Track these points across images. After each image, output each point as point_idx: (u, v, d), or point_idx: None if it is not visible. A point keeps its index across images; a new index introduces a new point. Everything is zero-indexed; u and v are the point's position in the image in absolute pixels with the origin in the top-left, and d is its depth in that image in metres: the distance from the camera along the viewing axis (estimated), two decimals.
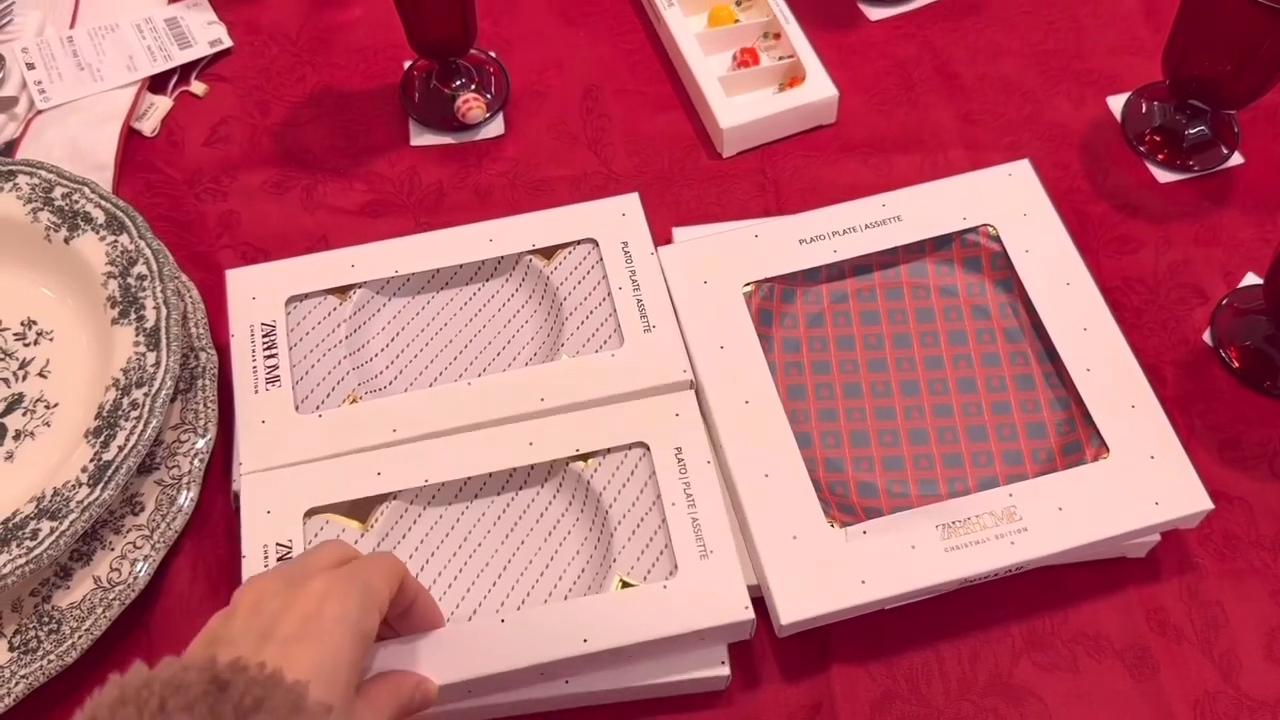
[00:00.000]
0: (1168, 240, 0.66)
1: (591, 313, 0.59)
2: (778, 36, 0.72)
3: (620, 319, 0.58)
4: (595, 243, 0.61)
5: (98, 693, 0.35)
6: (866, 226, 0.61)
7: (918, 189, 0.62)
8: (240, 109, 0.72)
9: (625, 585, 0.51)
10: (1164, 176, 0.69)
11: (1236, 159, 0.69)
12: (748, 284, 0.59)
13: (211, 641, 0.40)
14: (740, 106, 0.68)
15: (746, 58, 0.72)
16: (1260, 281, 0.65)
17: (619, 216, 0.61)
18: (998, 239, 0.61)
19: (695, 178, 0.69)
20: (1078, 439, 0.55)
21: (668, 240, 0.64)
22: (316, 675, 0.38)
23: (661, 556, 0.52)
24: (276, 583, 0.42)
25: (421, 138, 0.70)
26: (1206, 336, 0.63)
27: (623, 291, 0.59)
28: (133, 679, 0.35)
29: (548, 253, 0.61)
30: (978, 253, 0.61)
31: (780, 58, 0.72)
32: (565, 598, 0.52)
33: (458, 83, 0.70)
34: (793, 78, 0.71)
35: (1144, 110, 0.71)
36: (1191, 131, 0.69)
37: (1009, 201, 0.61)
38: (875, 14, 0.75)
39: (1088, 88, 0.73)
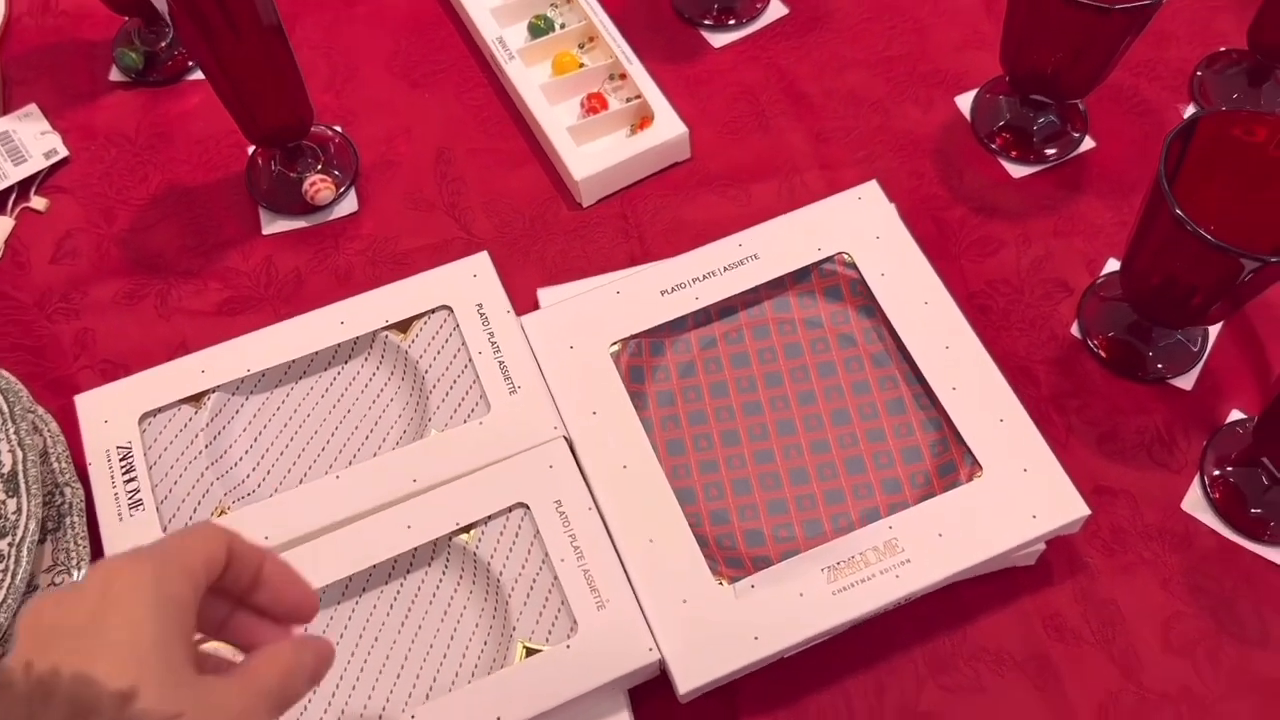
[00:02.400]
0: (1027, 237, 0.67)
1: (455, 382, 0.58)
2: (623, 77, 0.72)
3: (484, 384, 0.57)
4: (449, 309, 0.60)
5: None
6: (726, 269, 0.61)
7: (771, 224, 0.62)
8: (85, 219, 0.70)
9: (530, 651, 0.51)
10: (1018, 171, 0.69)
11: (1088, 143, 0.70)
12: (614, 343, 0.59)
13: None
14: (593, 155, 0.68)
15: (594, 103, 0.71)
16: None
17: (470, 279, 0.61)
18: (854, 265, 0.61)
19: (557, 231, 0.68)
20: (952, 459, 0.56)
21: (533, 301, 0.64)
22: (115, 661, 0.32)
23: (560, 615, 0.52)
24: (54, 596, 0.35)
25: (273, 225, 0.69)
26: (1074, 329, 0.64)
27: (483, 356, 0.58)
28: None
29: (403, 326, 0.60)
30: (836, 281, 0.61)
31: (628, 99, 0.71)
32: (471, 677, 0.52)
33: (303, 165, 0.69)
34: (643, 118, 0.70)
35: (991, 107, 0.71)
36: (1039, 124, 0.69)
37: (861, 225, 0.61)
38: (718, 41, 0.75)
39: (935, 89, 0.73)
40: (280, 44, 0.60)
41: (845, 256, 0.61)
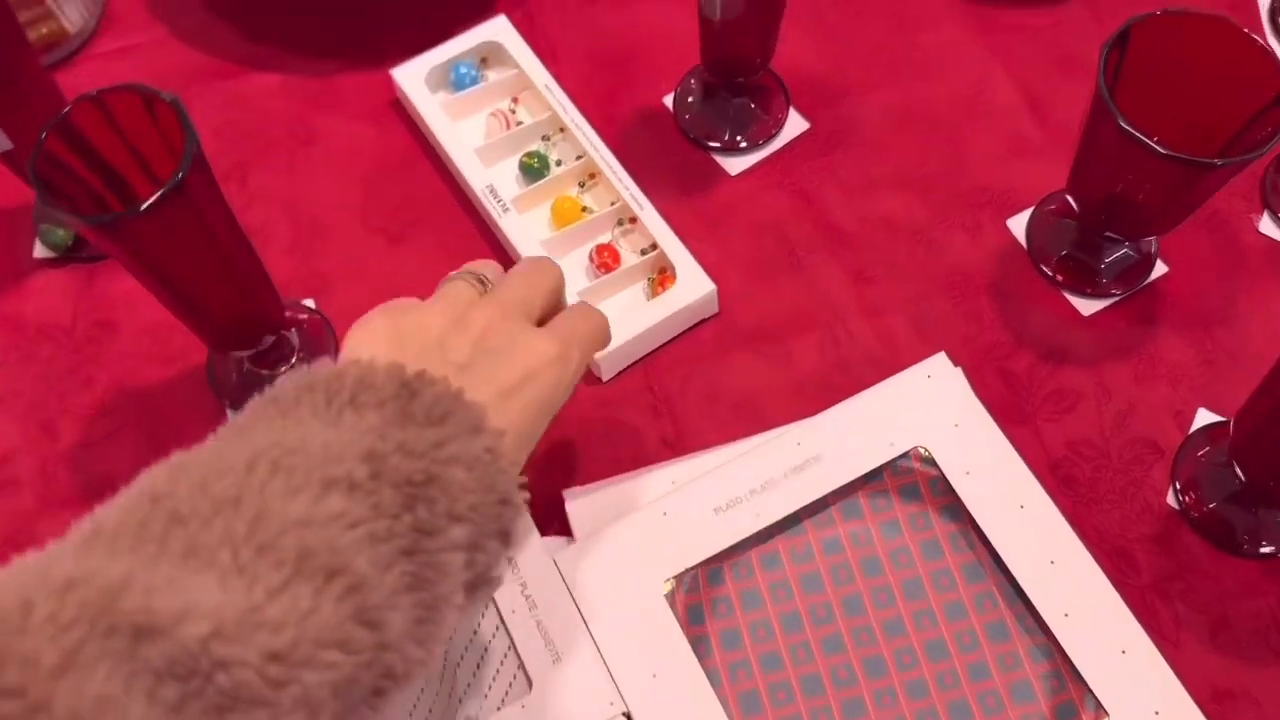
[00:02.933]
0: (1105, 387, 0.60)
1: (485, 654, 0.50)
2: (634, 220, 0.63)
3: (521, 654, 0.49)
4: None
5: (285, 375, 0.38)
6: (786, 475, 0.53)
7: (831, 415, 0.54)
8: (23, 438, 0.60)
9: None
10: (1086, 307, 0.62)
11: (1159, 268, 0.63)
12: (668, 580, 0.51)
13: (435, 345, 0.41)
14: (611, 324, 0.59)
15: (605, 257, 0.62)
16: (1214, 419, 0.58)
17: None
18: (932, 460, 0.53)
19: (576, 415, 0.60)
20: (1070, 699, 0.48)
21: (558, 507, 0.55)
22: (516, 430, 0.40)
23: None
24: (509, 321, 0.43)
25: None
26: (1170, 499, 0.57)
27: (517, 616, 0.50)
28: (321, 369, 0.37)
29: None
30: (913, 479, 0.53)
31: (643, 250, 0.63)
32: None
33: (275, 358, 0.59)
34: (662, 272, 0.62)
35: (1050, 231, 0.63)
36: (1110, 257, 0.62)
37: (935, 411, 0.54)
38: (734, 167, 0.66)
39: (981, 210, 0.65)
40: (228, 230, 0.50)
41: (922, 451, 0.53)
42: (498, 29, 0.68)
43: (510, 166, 0.66)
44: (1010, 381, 0.60)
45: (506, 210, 0.62)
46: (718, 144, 0.66)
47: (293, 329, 0.60)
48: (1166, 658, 0.49)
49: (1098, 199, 0.57)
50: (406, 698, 0.46)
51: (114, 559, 0.31)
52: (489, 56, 0.69)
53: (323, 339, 0.61)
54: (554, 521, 0.56)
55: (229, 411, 0.60)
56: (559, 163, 0.65)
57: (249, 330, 0.56)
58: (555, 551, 0.52)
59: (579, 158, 0.65)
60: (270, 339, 0.57)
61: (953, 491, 0.52)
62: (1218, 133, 0.53)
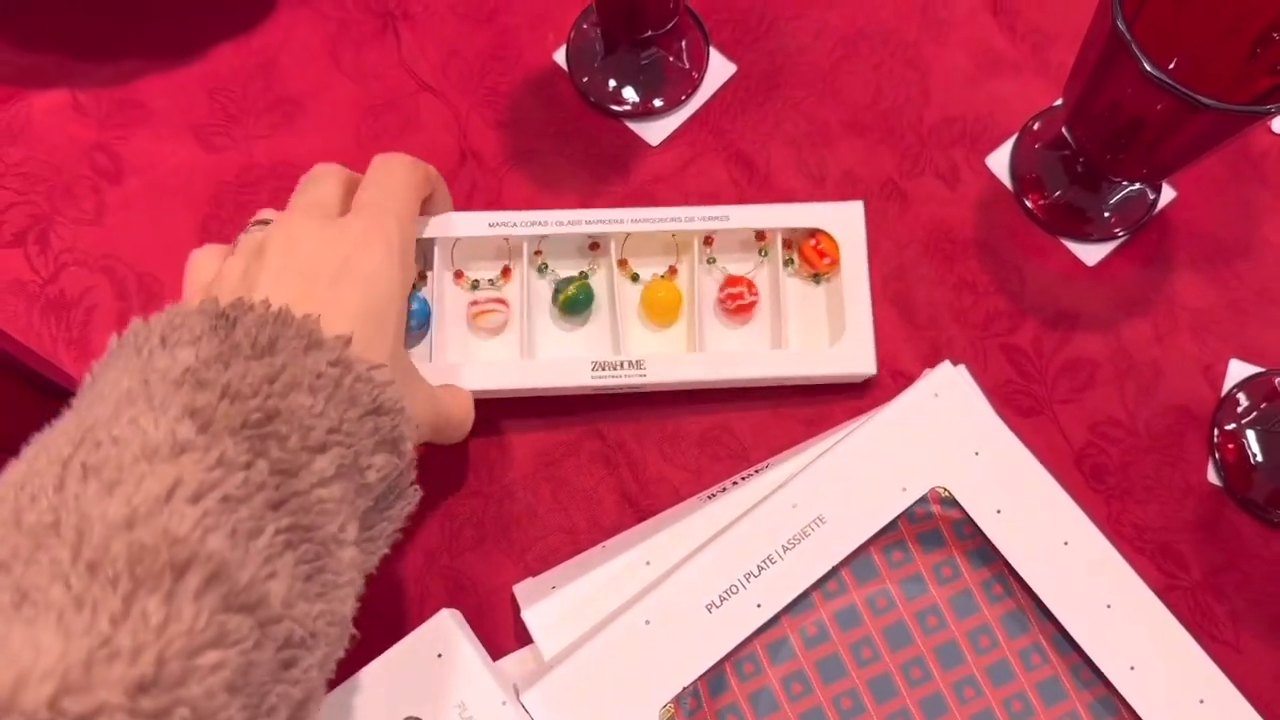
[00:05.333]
0: (1124, 350, 0.51)
1: None
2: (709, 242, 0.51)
3: None
4: None
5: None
6: (785, 548, 0.44)
7: (829, 463, 0.45)
8: None
9: None
10: (1091, 255, 0.52)
11: (1167, 194, 0.53)
12: (665, 706, 0.42)
13: (240, 278, 0.37)
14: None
15: (740, 296, 0.51)
16: (1250, 369, 0.50)
17: (434, 662, 0.42)
18: (954, 502, 0.44)
19: (514, 473, 0.49)
20: None
21: (508, 601, 0.45)
22: (361, 315, 0.36)
23: None
24: (309, 221, 0.39)
25: None
26: (1211, 474, 0.49)
27: None
28: (135, 325, 0.34)
29: None
30: (934, 524, 0.45)
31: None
32: None
33: None
34: (812, 239, 0.50)
35: (1040, 168, 0.53)
36: (1113, 194, 0.52)
37: (950, 439, 0.45)
38: (654, 135, 0.54)
39: (955, 148, 0.54)
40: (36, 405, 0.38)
41: (940, 491, 0.44)
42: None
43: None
44: (1016, 361, 0.51)
45: (622, 367, 0.47)
46: (629, 108, 0.54)
47: None
48: (1227, 667, 0.43)
49: (1103, 138, 0.46)
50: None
51: None
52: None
53: None
54: (507, 629, 0.46)
55: None
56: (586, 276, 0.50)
57: None
58: (521, 687, 0.42)
59: (588, 246, 0.50)
60: None
61: (981, 534, 0.44)
62: (1231, 52, 0.43)
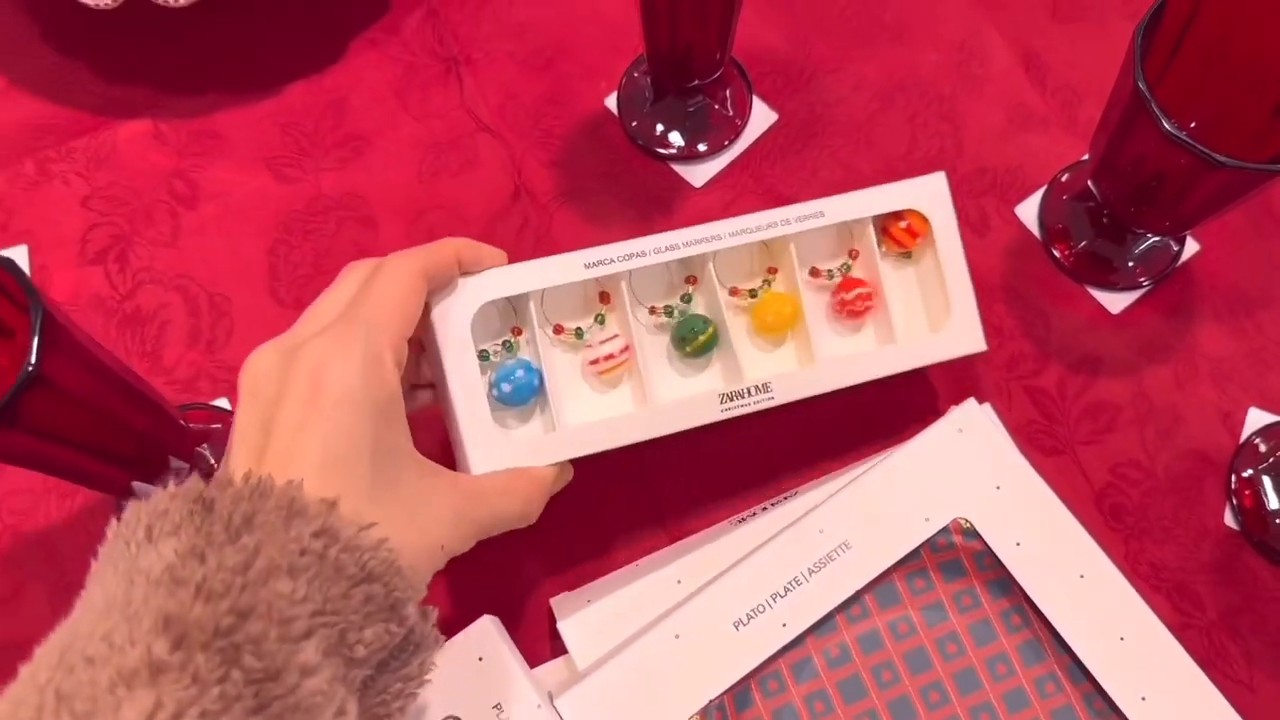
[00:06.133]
0: (1146, 396, 0.53)
1: None
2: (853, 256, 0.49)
3: None
4: None
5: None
6: (811, 571, 0.46)
7: (853, 490, 0.47)
8: None
9: None
10: (1115, 304, 0.54)
11: (1190, 247, 0.55)
12: (692, 717, 0.44)
13: (233, 443, 0.35)
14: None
15: (855, 299, 0.49)
16: (1268, 419, 0.52)
17: (474, 665, 0.44)
18: (975, 533, 0.46)
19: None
20: None
21: (546, 618, 0.48)
22: (324, 464, 0.34)
23: None
24: (271, 357, 0.36)
25: None
26: (1228, 518, 0.51)
27: None
28: (127, 515, 0.33)
29: None
30: (955, 554, 0.47)
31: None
32: None
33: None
34: (898, 221, 0.48)
35: (1066, 219, 0.56)
36: (1138, 246, 0.54)
37: (972, 473, 0.47)
38: (698, 178, 0.57)
39: (985, 198, 0.57)
40: (98, 380, 0.40)
41: (962, 522, 0.46)
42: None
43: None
44: (1040, 402, 0.53)
45: (750, 394, 0.45)
46: (674, 151, 0.57)
47: (204, 444, 0.51)
48: (1240, 706, 0.44)
49: (1126, 191, 0.49)
50: None
51: None
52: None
53: None
54: (544, 639, 0.48)
55: None
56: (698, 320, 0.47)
57: (151, 470, 0.47)
58: (556, 693, 0.44)
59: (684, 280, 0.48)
60: (180, 464, 0.49)
61: (1001, 565, 0.46)
62: (1253, 113, 0.46)
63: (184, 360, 0.54)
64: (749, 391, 0.45)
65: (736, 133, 0.57)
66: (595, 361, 0.45)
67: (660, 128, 0.57)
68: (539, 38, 0.60)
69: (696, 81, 0.54)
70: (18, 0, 0.61)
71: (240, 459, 0.34)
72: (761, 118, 0.58)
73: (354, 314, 0.37)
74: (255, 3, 0.60)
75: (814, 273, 0.49)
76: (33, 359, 0.34)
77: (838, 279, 0.49)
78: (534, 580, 0.50)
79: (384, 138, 0.58)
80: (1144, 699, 0.44)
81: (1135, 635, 0.44)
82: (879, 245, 0.48)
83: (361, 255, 0.56)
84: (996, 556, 0.46)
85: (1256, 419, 0.52)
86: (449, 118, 0.59)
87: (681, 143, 0.57)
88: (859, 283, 0.48)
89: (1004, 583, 0.46)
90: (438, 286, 0.41)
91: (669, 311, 0.47)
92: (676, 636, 0.45)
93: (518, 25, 0.60)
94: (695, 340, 0.46)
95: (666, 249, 0.45)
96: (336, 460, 0.34)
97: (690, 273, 0.48)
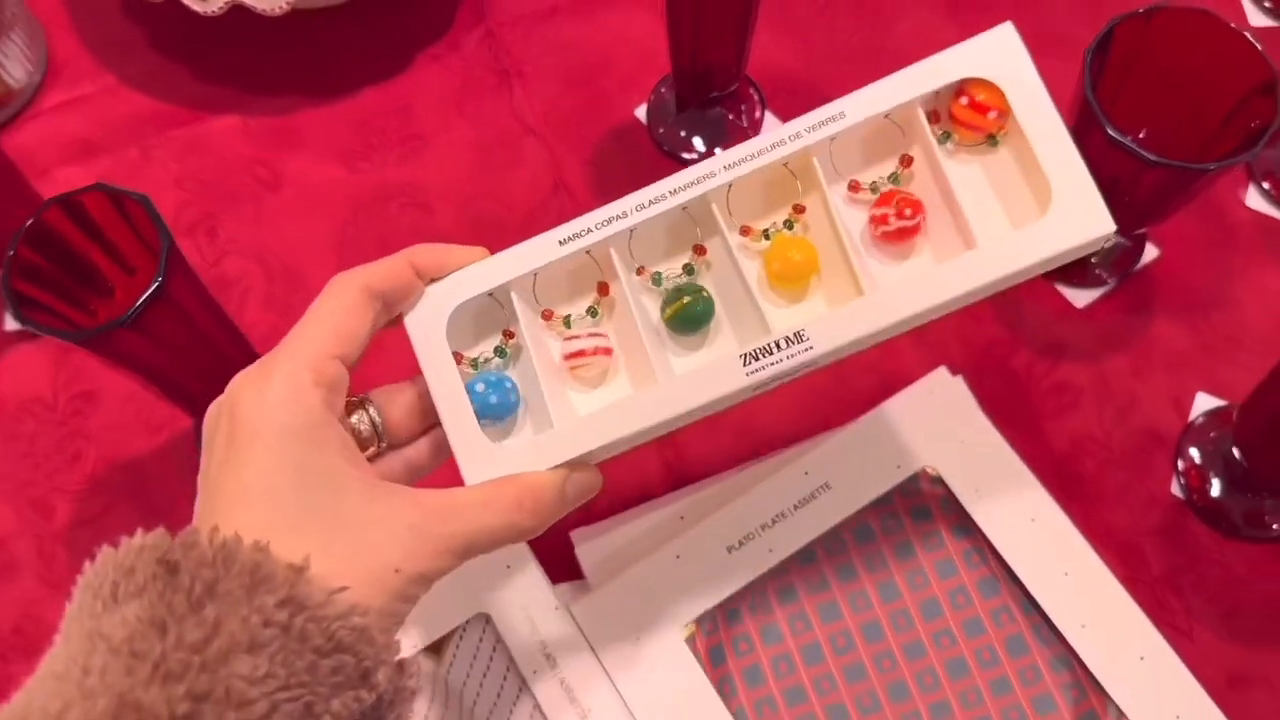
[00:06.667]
0: (1105, 380, 0.60)
1: (511, 716, 0.50)
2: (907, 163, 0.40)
3: (547, 713, 0.49)
4: (487, 618, 0.51)
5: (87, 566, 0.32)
6: (796, 507, 0.52)
7: (836, 439, 0.54)
8: (17, 519, 0.59)
9: None
10: (1080, 299, 0.61)
11: (1150, 252, 0.62)
12: (687, 624, 0.51)
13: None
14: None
15: (901, 211, 0.39)
16: (1214, 403, 0.58)
17: (504, 572, 0.51)
18: (941, 481, 0.53)
19: None
20: (1092, 708, 0.49)
21: (566, 551, 0.54)
22: (246, 501, 0.32)
23: None
24: (215, 402, 0.36)
25: None
26: (1175, 488, 0.57)
27: (539, 676, 0.50)
28: (97, 562, 0.32)
29: (435, 647, 0.51)
30: (923, 499, 0.53)
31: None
32: None
33: None
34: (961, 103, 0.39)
35: None
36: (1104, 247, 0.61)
37: (940, 429, 0.53)
38: None
39: None
40: (204, 311, 0.48)
41: (930, 471, 0.53)
42: None
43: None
44: (1010, 380, 0.60)
45: (780, 348, 0.36)
46: (694, 156, 0.65)
47: None
48: (1180, 651, 0.50)
49: None
50: None
51: None
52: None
53: None
54: (564, 565, 0.55)
55: None
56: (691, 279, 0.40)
57: None
58: (571, 601, 0.51)
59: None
60: None
61: (963, 510, 0.52)
62: (1204, 123, 0.53)
63: (262, 320, 0.62)
64: (778, 345, 0.36)
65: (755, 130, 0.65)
66: (567, 357, 0.39)
67: (683, 134, 0.65)
68: (581, 56, 0.69)
69: (715, 94, 0.62)
70: (128, 10, 0.70)
71: (199, 507, 0.34)
72: (772, 130, 0.65)
73: (281, 342, 0.36)
74: (337, 18, 0.68)
75: (853, 187, 0.39)
76: (160, 277, 0.42)
77: (878, 194, 0.39)
78: (560, 535, 0.56)
79: (442, 137, 0.67)
80: (1084, 626, 0.50)
81: (1077, 571, 0.51)
82: (950, 136, 0.38)
83: (418, 236, 0.64)
84: (959, 502, 0.52)
85: (1204, 403, 0.59)
86: (499, 123, 0.67)
87: (702, 148, 0.65)
88: (897, 197, 0.38)
89: (966, 527, 0.53)
90: (394, 299, 0.38)
91: (656, 279, 0.40)
92: (677, 557, 0.52)
93: (563, 45, 0.69)
94: (675, 303, 0.38)
95: (651, 203, 0.37)
96: (255, 495, 0.32)
97: (695, 239, 0.40)
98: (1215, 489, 0.56)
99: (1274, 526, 0.55)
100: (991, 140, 0.39)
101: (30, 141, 0.66)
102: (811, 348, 0.36)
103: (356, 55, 0.69)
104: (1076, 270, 0.61)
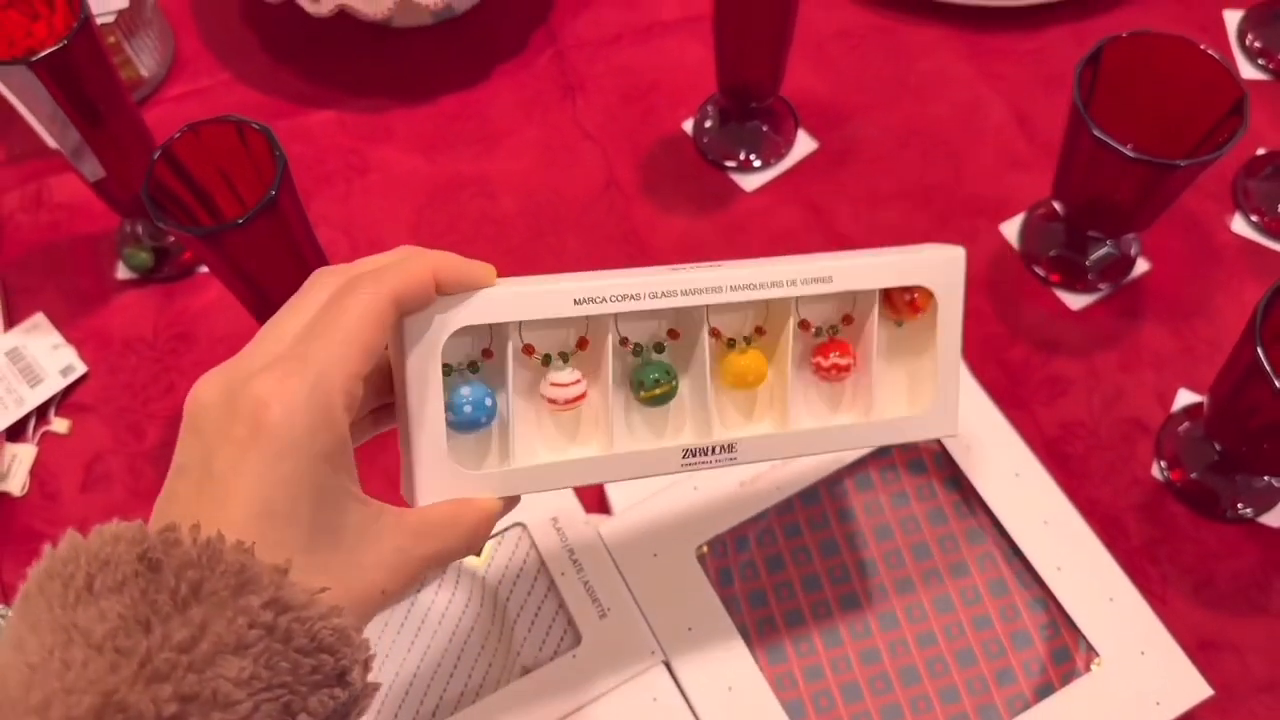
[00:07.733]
0: (1095, 374, 0.65)
1: (539, 610, 0.55)
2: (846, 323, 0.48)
3: (572, 611, 0.55)
4: (523, 526, 0.57)
5: (34, 563, 0.31)
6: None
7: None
8: (113, 439, 0.66)
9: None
10: (1075, 303, 0.68)
11: (1141, 265, 0.69)
12: (700, 545, 0.57)
13: (172, 475, 0.33)
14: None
15: (834, 363, 0.47)
16: (1194, 398, 0.64)
17: None
18: (936, 439, 0.58)
19: None
20: (1064, 644, 0.54)
21: (596, 502, 0.61)
22: (261, 514, 0.32)
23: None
24: (216, 389, 0.34)
25: None
26: (1155, 471, 0.62)
27: (566, 578, 0.56)
28: (62, 549, 0.31)
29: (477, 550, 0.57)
30: (919, 454, 0.59)
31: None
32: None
33: None
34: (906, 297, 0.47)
35: (1040, 235, 0.70)
36: (1095, 255, 0.68)
37: None
38: (749, 184, 0.73)
39: (978, 218, 0.71)
40: (306, 238, 0.56)
41: None
42: None
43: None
44: (1007, 370, 0.66)
45: (714, 452, 0.44)
46: (734, 164, 0.73)
47: None
48: (1154, 609, 0.55)
49: (1079, 201, 0.63)
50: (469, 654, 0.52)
51: None
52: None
53: None
54: (595, 502, 0.62)
55: None
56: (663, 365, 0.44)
57: None
58: (598, 525, 0.57)
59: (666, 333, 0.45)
60: None
61: (955, 464, 0.58)
62: (1184, 140, 0.59)
63: None
64: (713, 450, 0.44)
65: (783, 153, 0.73)
66: (550, 400, 0.43)
67: (723, 144, 0.73)
68: (638, 76, 0.78)
69: (754, 104, 0.70)
70: (246, 15, 0.81)
71: (178, 496, 0.33)
72: (804, 145, 0.74)
73: (304, 350, 0.34)
74: (428, 36, 0.78)
75: (804, 325, 0.46)
76: (275, 190, 0.50)
77: (824, 339, 0.46)
78: None
79: (510, 139, 0.76)
80: (1059, 569, 0.55)
81: (1055, 520, 0.56)
82: (879, 307, 0.46)
83: (485, 221, 0.73)
84: (951, 458, 0.58)
85: (1185, 398, 0.64)
86: (562, 129, 0.76)
87: (740, 157, 0.73)
88: (839, 347, 0.46)
89: (957, 480, 0.59)
90: (411, 310, 0.37)
91: (638, 351, 0.44)
92: (695, 488, 0.58)
93: (623, 67, 0.78)
94: (651, 390, 0.43)
95: (663, 294, 0.41)
96: (275, 513, 0.32)
97: (677, 325, 0.45)
98: (1193, 473, 0.61)
99: (1244, 508, 0.60)
100: (899, 323, 0.48)
101: (155, 122, 0.76)
102: (736, 459, 0.44)
103: (443, 67, 0.79)
104: (1073, 277, 0.68)
